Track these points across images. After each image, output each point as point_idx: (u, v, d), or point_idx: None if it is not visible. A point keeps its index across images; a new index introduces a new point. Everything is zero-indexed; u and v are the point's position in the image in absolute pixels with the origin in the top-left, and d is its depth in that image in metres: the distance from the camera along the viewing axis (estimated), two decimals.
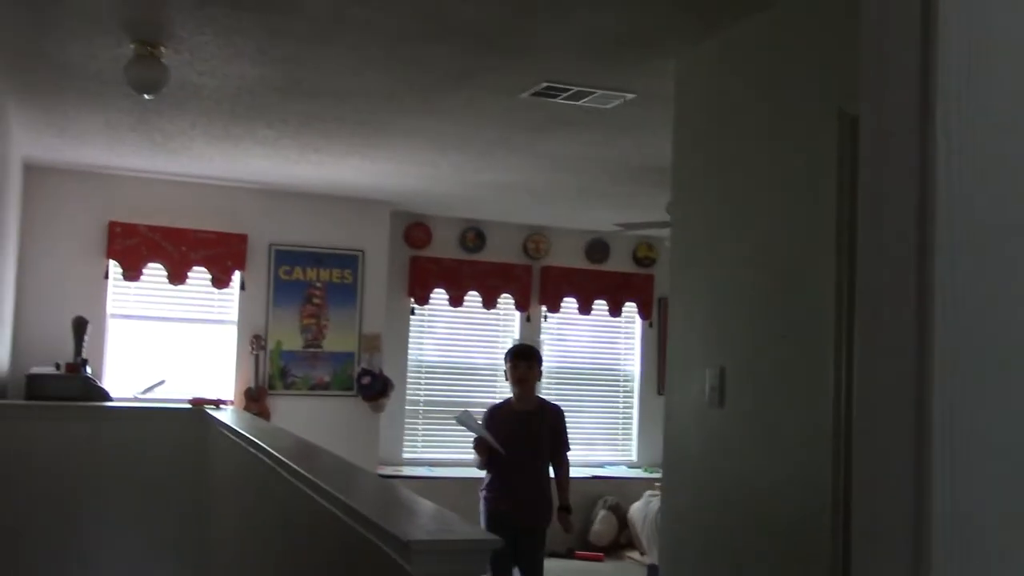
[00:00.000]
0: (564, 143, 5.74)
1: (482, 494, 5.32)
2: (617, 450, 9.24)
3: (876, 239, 1.23)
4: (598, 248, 9.28)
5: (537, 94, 4.62)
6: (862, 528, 1.22)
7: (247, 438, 4.10)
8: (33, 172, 6.99)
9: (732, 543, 3.47)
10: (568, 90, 4.52)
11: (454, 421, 5.44)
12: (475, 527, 2.11)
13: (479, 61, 4.22)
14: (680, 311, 3.91)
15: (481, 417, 5.39)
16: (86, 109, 5.36)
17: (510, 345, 6.11)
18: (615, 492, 8.59)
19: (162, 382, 6.94)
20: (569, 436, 5.45)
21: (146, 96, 4.20)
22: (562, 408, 5.51)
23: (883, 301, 1.21)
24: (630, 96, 4.58)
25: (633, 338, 9.44)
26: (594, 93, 4.53)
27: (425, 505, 2.47)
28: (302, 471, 2.94)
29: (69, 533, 5.28)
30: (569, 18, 3.66)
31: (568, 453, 5.42)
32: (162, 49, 4.11)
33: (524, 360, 5.33)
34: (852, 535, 1.27)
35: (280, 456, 3.30)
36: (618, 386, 9.37)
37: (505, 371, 5.41)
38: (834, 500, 2.89)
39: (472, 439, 5.27)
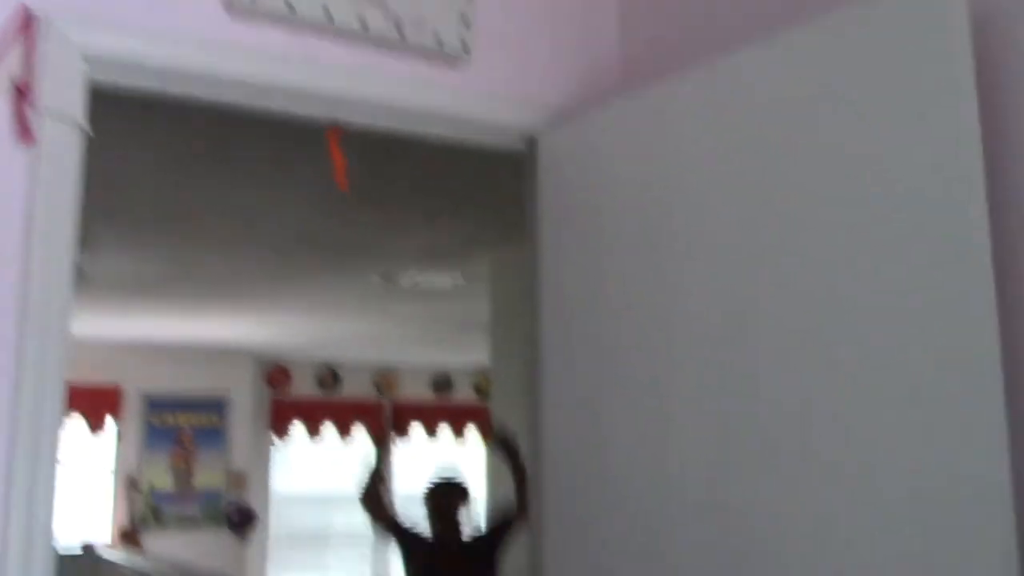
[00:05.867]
0: (412, 306, 6.83)
1: None
2: None
3: None
4: (443, 382, 10.37)
5: (383, 278, 5.73)
6: None
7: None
8: None
9: None
10: (408, 278, 5.66)
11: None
12: None
13: (338, 262, 5.32)
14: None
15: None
16: None
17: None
18: None
19: None
20: None
21: None
22: None
23: None
24: (460, 282, 5.75)
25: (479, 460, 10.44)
26: (430, 281, 5.69)
27: None
28: None
29: None
30: (410, 235, 4.81)
31: None
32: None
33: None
34: None
35: None
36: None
37: None
38: None
39: None
